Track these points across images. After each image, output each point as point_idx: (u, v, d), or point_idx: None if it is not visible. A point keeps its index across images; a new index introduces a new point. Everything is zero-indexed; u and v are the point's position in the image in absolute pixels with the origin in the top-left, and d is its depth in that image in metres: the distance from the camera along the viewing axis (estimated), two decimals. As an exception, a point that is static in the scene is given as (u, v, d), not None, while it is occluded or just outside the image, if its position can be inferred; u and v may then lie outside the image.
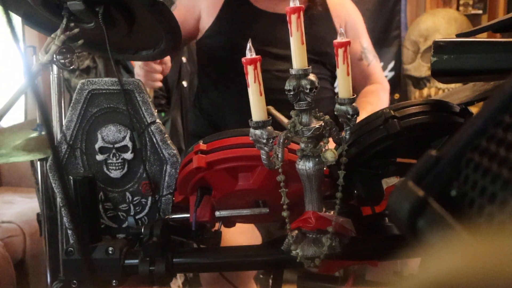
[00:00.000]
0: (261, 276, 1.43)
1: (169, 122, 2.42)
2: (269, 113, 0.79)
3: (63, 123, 0.95)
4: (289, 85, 0.73)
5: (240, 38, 1.35)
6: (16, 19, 1.16)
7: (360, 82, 1.60)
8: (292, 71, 0.73)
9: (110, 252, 0.85)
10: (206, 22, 1.52)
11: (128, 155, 0.93)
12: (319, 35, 1.50)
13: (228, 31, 1.49)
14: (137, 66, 1.43)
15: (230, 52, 1.48)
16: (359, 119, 0.79)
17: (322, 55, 1.51)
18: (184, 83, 2.38)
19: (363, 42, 1.61)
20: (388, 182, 0.86)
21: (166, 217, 0.94)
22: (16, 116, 3.13)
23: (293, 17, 0.70)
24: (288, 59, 0.75)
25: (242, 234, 1.23)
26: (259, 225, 1.34)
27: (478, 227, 0.32)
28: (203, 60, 1.59)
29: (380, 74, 1.66)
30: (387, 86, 1.64)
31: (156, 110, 0.94)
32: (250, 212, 0.89)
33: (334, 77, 1.60)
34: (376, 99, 1.53)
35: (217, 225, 0.96)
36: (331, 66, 1.55)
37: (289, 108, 0.76)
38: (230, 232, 1.08)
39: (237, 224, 1.03)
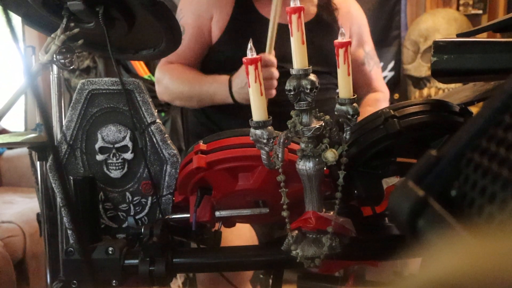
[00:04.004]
0: (261, 276, 1.43)
1: (169, 122, 2.42)
2: None
3: (63, 123, 0.95)
4: (289, 85, 0.73)
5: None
6: (16, 19, 1.16)
7: (362, 87, 1.60)
8: (293, 71, 0.73)
9: (110, 252, 0.85)
10: (216, 34, 1.50)
11: (128, 155, 0.93)
12: (328, 46, 1.49)
13: (237, 43, 1.45)
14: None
15: (239, 64, 1.46)
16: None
17: (331, 66, 1.50)
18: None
19: (367, 47, 1.62)
20: (388, 182, 0.86)
21: (166, 217, 0.94)
22: (16, 116, 3.14)
23: (294, 17, 0.70)
24: None
25: (240, 235, 1.22)
26: (255, 225, 1.33)
27: (478, 227, 0.32)
28: (210, 67, 1.56)
29: (381, 81, 1.67)
30: (387, 95, 1.66)
31: (156, 110, 0.94)
32: (250, 212, 0.89)
33: None
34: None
35: (217, 225, 0.96)
36: None
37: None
38: (225, 231, 1.08)
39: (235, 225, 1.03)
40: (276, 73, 1.32)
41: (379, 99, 1.60)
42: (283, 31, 1.45)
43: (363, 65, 1.60)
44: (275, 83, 1.32)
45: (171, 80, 1.50)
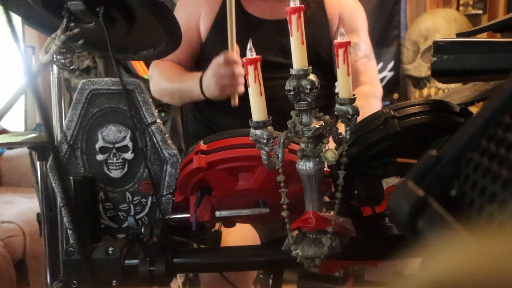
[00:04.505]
0: (261, 276, 1.43)
1: (169, 122, 2.42)
2: None
3: (64, 123, 0.95)
4: (289, 85, 0.73)
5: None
6: (16, 19, 1.16)
7: None
8: (292, 71, 0.73)
9: (110, 252, 0.85)
10: (204, 31, 1.51)
11: (129, 155, 0.93)
12: (315, 41, 1.49)
13: (223, 40, 1.47)
14: (216, 75, 1.32)
15: None
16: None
17: (317, 61, 1.49)
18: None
19: (356, 36, 1.54)
20: (388, 182, 0.86)
21: (166, 217, 0.94)
22: (16, 116, 3.13)
23: (293, 17, 0.70)
24: (286, 65, 0.75)
25: (240, 235, 1.22)
26: (258, 227, 1.33)
27: (478, 227, 0.32)
28: (202, 65, 1.57)
29: (372, 75, 1.55)
30: (379, 91, 1.54)
31: (157, 110, 0.94)
32: (250, 212, 0.89)
33: (329, 82, 1.57)
34: (367, 104, 1.43)
35: (217, 225, 0.96)
36: (326, 70, 1.53)
37: (290, 116, 0.76)
38: (228, 232, 1.08)
39: (236, 225, 1.03)
40: (241, 70, 1.32)
41: (367, 94, 1.46)
42: (263, 26, 1.47)
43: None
44: (242, 79, 1.33)
45: (159, 77, 1.53)
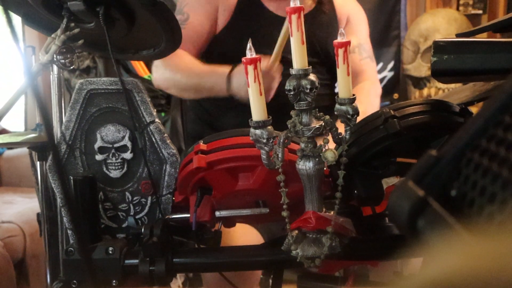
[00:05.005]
0: (261, 276, 1.42)
1: (169, 122, 2.42)
2: None
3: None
4: (289, 85, 0.73)
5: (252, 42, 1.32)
6: (16, 19, 1.16)
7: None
8: (292, 71, 0.73)
9: (110, 252, 0.85)
10: (220, 24, 1.49)
11: (128, 155, 0.93)
12: (324, 38, 1.49)
13: (240, 35, 1.45)
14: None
15: (241, 55, 1.44)
16: None
17: (326, 57, 1.50)
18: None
19: (360, 37, 1.58)
20: (388, 182, 0.86)
21: (166, 217, 0.94)
22: (16, 116, 3.13)
23: (294, 17, 0.70)
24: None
25: (244, 236, 1.22)
26: (261, 228, 1.33)
27: (478, 227, 0.32)
28: (213, 58, 1.55)
29: (374, 74, 1.60)
30: (379, 90, 1.58)
31: (156, 110, 0.94)
32: (250, 212, 0.89)
33: (334, 81, 1.58)
34: (367, 99, 1.47)
35: (217, 225, 0.96)
36: (331, 68, 1.54)
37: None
38: (231, 233, 1.08)
39: (238, 225, 1.03)
40: (275, 83, 1.30)
41: (368, 90, 1.50)
42: (280, 23, 1.47)
43: (352, 53, 1.52)
44: (275, 84, 1.31)
45: (169, 67, 1.45)
